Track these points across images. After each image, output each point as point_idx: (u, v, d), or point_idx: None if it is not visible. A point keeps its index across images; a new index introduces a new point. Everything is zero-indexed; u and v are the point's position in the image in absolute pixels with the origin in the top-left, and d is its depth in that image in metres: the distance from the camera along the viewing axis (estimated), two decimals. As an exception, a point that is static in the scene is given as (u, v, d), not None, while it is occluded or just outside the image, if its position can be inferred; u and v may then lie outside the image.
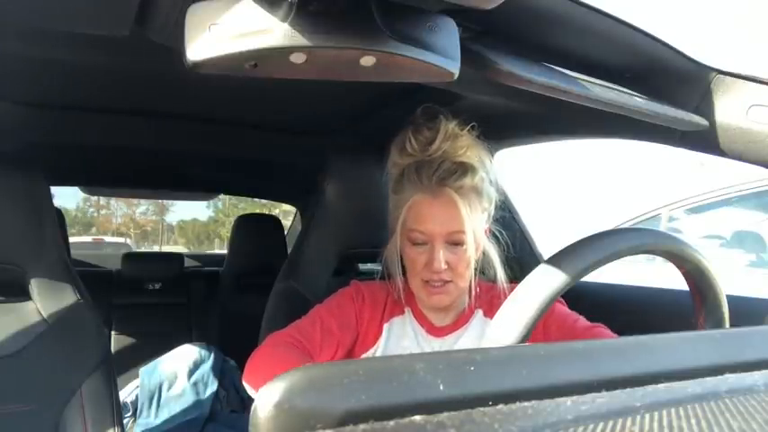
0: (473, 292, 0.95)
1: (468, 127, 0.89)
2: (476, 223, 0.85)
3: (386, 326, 0.93)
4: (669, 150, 0.88)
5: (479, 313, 0.95)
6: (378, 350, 0.93)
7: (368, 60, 0.50)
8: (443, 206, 0.84)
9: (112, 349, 2.14)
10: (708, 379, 0.35)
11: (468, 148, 0.87)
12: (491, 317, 0.93)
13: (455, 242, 0.85)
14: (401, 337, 0.93)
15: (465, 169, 0.86)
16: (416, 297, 0.95)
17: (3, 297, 1.01)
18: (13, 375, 0.92)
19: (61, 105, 1.20)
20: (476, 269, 0.93)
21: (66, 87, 1.11)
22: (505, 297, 0.91)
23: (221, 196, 3.39)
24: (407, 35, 0.50)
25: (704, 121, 0.76)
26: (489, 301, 0.95)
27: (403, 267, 0.93)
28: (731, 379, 0.36)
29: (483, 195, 0.88)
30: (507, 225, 1.31)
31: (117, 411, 0.99)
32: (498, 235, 0.95)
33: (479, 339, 0.91)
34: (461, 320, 0.94)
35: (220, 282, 2.41)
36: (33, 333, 0.97)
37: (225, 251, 2.90)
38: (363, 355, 0.92)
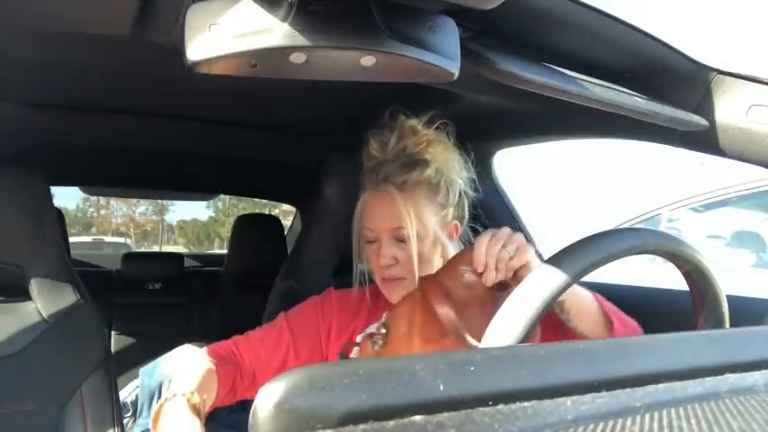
0: None
1: (438, 123, 0.91)
2: (425, 218, 0.86)
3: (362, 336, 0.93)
4: (669, 150, 0.88)
5: None
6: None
7: (368, 60, 0.51)
8: (383, 202, 0.87)
9: (112, 349, 2.14)
10: (708, 379, 0.35)
11: (427, 143, 0.89)
12: None
13: (399, 238, 0.87)
14: None
15: (414, 164, 0.87)
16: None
17: (3, 297, 1.01)
18: (14, 375, 0.92)
19: (61, 105, 1.20)
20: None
21: (65, 87, 1.11)
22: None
23: (221, 196, 3.40)
24: (407, 35, 0.50)
25: (704, 121, 0.76)
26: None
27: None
28: (731, 379, 0.36)
29: (439, 190, 0.88)
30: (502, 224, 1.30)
31: (117, 411, 0.99)
32: (471, 234, 0.95)
33: None
34: None
35: (221, 282, 2.41)
36: (33, 333, 0.97)
37: (225, 251, 2.90)
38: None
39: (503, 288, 0.78)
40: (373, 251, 0.89)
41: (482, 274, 0.77)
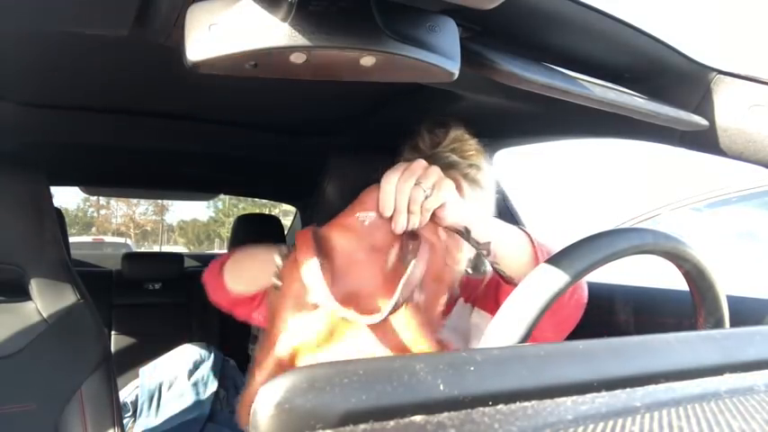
0: (467, 292, 0.96)
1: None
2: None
3: None
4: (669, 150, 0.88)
5: (460, 300, 0.95)
6: None
7: (368, 60, 0.51)
8: None
9: (112, 349, 2.14)
10: (708, 379, 0.35)
11: (475, 152, 0.90)
12: (472, 302, 0.93)
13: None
14: None
15: (469, 164, 0.88)
16: None
17: (3, 297, 1.01)
18: (13, 375, 0.92)
19: (61, 105, 1.20)
20: (467, 267, 0.94)
21: (66, 87, 1.11)
22: (486, 284, 0.92)
23: (221, 196, 3.40)
24: (407, 35, 0.50)
25: (704, 121, 0.76)
26: (472, 288, 0.96)
27: None
28: (731, 379, 0.36)
29: (485, 195, 0.90)
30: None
31: (117, 411, 0.99)
32: None
33: (458, 325, 0.92)
34: (445, 311, 0.95)
35: (221, 282, 2.41)
36: (33, 333, 0.97)
37: (225, 251, 2.90)
38: None
39: (413, 237, 0.68)
40: None
41: (391, 218, 0.66)
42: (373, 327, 0.66)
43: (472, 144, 0.90)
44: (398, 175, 0.66)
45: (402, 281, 0.65)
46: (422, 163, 0.68)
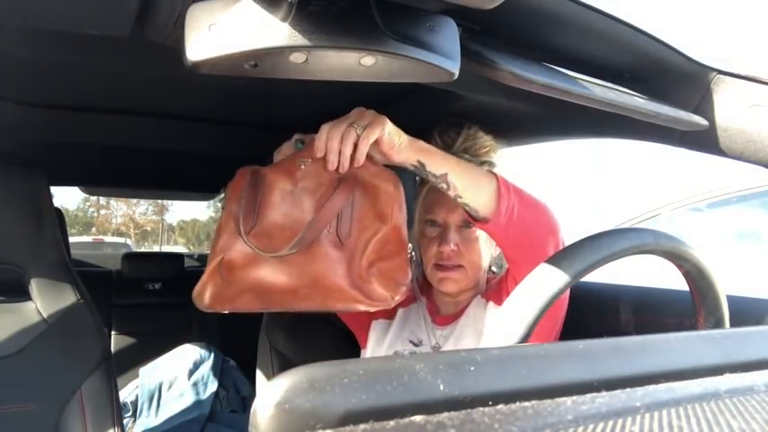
0: (487, 290, 0.96)
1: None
2: None
3: (400, 310, 0.98)
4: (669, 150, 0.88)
5: (478, 296, 0.96)
6: (390, 330, 0.97)
7: (368, 60, 0.51)
8: None
9: (112, 349, 2.14)
10: (708, 379, 0.35)
11: (490, 148, 0.92)
12: (487, 298, 0.94)
13: (466, 225, 0.89)
14: (415, 325, 0.96)
15: (480, 162, 0.90)
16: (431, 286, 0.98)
17: (3, 297, 1.01)
18: (14, 375, 0.92)
19: (61, 105, 1.20)
20: (490, 267, 0.96)
21: (66, 87, 1.11)
22: (500, 280, 0.93)
23: (221, 196, 3.40)
24: (407, 35, 0.50)
25: (704, 121, 0.76)
26: (489, 285, 0.97)
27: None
28: (731, 379, 0.36)
29: None
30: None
31: (117, 411, 0.99)
32: None
33: (475, 320, 0.93)
34: (464, 308, 0.96)
35: (220, 282, 2.41)
36: (33, 333, 0.97)
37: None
38: (376, 325, 0.98)
39: (347, 181, 0.74)
40: (435, 239, 0.90)
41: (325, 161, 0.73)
42: (281, 259, 0.74)
43: (484, 140, 0.91)
44: (333, 122, 0.72)
45: (309, 220, 0.74)
46: (358, 109, 0.73)
